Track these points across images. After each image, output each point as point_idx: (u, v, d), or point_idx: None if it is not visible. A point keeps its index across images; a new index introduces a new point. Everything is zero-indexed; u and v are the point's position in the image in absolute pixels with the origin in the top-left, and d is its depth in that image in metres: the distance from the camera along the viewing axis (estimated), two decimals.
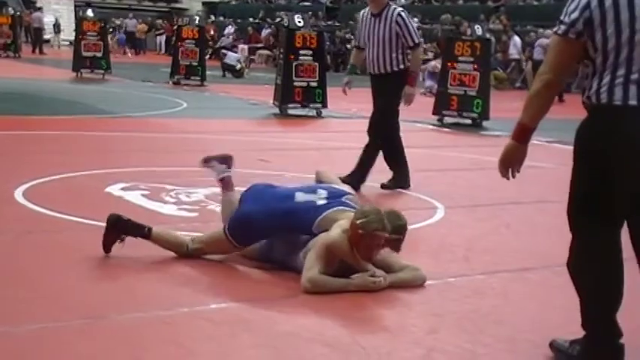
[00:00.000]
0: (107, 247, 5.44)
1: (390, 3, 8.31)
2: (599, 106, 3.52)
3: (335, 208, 5.24)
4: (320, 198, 5.36)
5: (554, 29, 3.56)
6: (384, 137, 8.50)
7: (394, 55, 8.17)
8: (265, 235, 5.41)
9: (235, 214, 5.47)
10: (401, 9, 8.40)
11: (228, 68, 26.58)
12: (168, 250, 5.54)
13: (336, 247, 4.93)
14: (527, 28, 27.44)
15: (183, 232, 6.13)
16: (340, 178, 6.73)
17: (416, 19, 32.61)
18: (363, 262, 4.99)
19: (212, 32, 33.34)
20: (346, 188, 5.70)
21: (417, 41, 8.36)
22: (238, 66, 26.83)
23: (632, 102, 3.42)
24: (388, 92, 8.35)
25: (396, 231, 5.04)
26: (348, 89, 9.09)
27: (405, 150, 11.89)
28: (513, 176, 3.89)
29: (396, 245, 5.14)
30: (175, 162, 8.33)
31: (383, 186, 8.40)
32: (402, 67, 8.29)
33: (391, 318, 4.70)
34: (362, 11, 8.56)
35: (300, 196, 5.41)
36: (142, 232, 5.47)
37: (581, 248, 3.93)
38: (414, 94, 8.51)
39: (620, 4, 3.40)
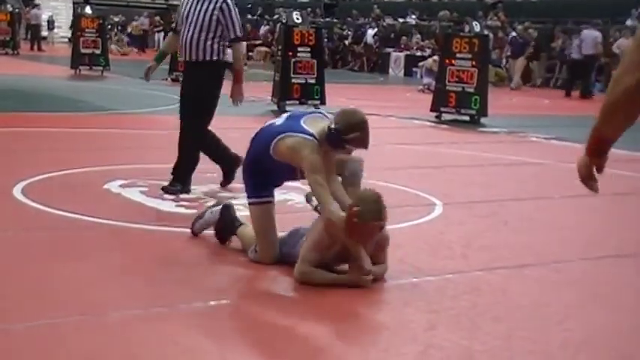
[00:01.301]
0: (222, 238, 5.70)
1: None
2: None
3: (288, 133, 5.14)
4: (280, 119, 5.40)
5: None
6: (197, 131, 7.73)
7: (209, 42, 7.28)
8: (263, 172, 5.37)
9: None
10: None
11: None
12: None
13: (335, 229, 4.87)
14: (525, 25, 27.40)
15: (183, 229, 6.13)
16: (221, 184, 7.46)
17: (414, 16, 32.71)
18: (358, 246, 4.92)
19: None
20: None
21: (239, 34, 7.51)
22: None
23: None
24: (201, 84, 7.49)
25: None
26: (151, 73, 8.02)
27: (403, 148, 11.97)
28: (599, 172, 3.03)
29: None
30: (173, 159, 8.26)
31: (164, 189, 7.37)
32: (215, 58, 7.41)
33: (389, 314, 4.68)
34: None
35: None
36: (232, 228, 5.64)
37: None
38: (242, 94, 7.89)
39: None
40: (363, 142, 5.21)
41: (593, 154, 2.94)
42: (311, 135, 5.02)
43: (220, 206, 5.77)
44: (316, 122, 5.22)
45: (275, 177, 5.42)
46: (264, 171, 5.31)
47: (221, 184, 7.78)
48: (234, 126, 13.52)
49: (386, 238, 5.10)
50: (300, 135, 5.03)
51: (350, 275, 4.92)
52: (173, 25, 7.88)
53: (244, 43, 7.66)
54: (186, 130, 7.58)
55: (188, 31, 7.22)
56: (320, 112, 5.40)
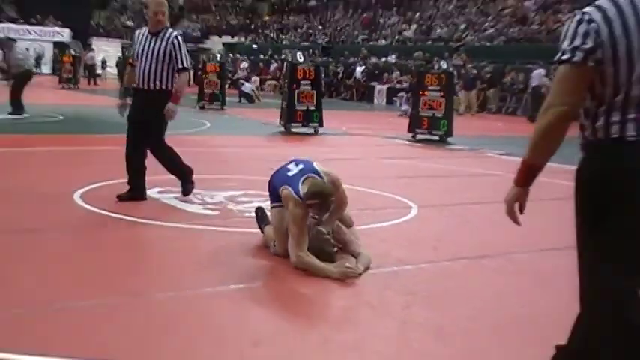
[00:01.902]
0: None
1: (167, 26, 7.11)
2: (610, 141, 2.68)
3: (287, 187, 5.19)
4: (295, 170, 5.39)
5: (564, 57, 2.66)
6: (154, 147, 7.30)
7: (164, 73, 6.96)
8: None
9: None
10: (178, 32, 7.25)
11: (244, 95, 26.62)
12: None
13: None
14: (482, 64, 27.51)
15: (212, 228, 6.11)
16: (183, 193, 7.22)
17: (394, 56, 32.76)
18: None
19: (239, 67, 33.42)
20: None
21: (185, 65, 7.11)
22: (251, 90, 27.00)
23: None
24: (156, 109, 6.99)
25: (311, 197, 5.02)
26: (125, 112, 7.45)
27: (385, 161, 12.01)
28: (521, 211, 2.97)
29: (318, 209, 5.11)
30: (200, 171, 8.16)
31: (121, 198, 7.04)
32: (169, 87, 7.04)
33: (373, 295, 4.64)
34: (139, 30, 7.27)
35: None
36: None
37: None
38: (175, 111, 7.10)
39: (631, 36, 2.62)
40: (319, 210, 5.12)
41: (525, 184, 2.85)
42: (299, 195, 5.04)
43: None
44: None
45: None
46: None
47: (183, 194, 7.38)
48: (250, 144, 13.61)
49: (349, 242, 5.31)
50: (293, 192, 5.07)
51: (339, 268, 4.88)
52: (130, 60, 7.45)
53: (188, 74, 7.53)
54: (158, 147, 7.27)
55: (145, 64, 6.93)
56: (317, 174, 5.26)
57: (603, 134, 2.69)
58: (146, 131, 7.10)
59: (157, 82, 6.98)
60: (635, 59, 2.62)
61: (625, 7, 2.65)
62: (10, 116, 15.34)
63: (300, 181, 5.15)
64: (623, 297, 2.65)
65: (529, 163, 2.80)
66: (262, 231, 5.69)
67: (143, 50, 6.96)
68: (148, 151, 7.30)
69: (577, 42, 2.64)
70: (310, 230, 5.11)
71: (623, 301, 2.65)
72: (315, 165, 5.38)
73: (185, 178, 7.36)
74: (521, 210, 2.91)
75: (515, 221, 2.93)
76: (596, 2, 2.70)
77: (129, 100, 7.33)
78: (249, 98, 26.45)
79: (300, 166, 5.36)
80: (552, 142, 2.73)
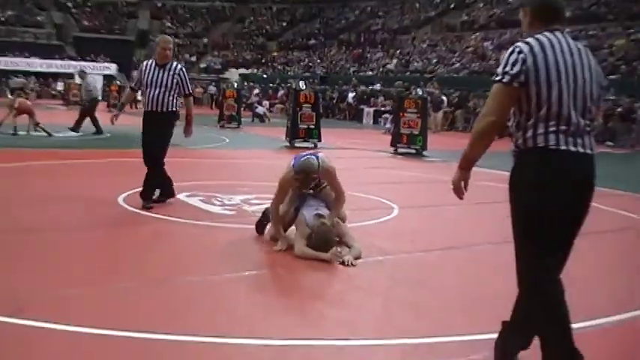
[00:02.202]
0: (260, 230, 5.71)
1: (173, 59, 7.02)
2: (537, 149, 2.85)
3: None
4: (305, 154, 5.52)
5: (497, 78, 2.87)
6: (162, 162, 7.10)
7: (171, 98, 6.86)
8: None
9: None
10: (182, 64, 7.21)
11: (257, 116, 26.57)
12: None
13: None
14: (451, 91, 27.51)
15: (230, 225, 6.09)
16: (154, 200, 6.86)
17: (378, 85, 32.77)
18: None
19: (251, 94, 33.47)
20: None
21: (190, 91, 7.12)
22: (263, 112, 27.00)
23: (563, 147, 2.81)
24: (165, 127, 6.93)
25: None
26: (116, 120, 7.42)
27: (372, 170, 12.00)
28: (465, 189, 3.20)
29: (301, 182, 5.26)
30: (220, 178, 8.22)
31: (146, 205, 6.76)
32: (174, 109, 6.97)
33: (362, 280, 4.63)
34: (145, 62, 7.07)
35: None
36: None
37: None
38: (192, 132, 7.31)
39: (550, 66, 2.81)
40: (301, 184, 5.29)
41: (465, 169, 3.14)
42: (292, 165, 5.30)
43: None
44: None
45: None
46: None
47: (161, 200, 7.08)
48: (261, 156, 13.59)
49: (345, 234, 5.27)
50: (290, 164, 5.35)
51: (329, 254, 4.92)
52: (132, 85, 7.35)
53: (192, 98, 7.40)
54: (160, 161, 7.04)
55: (155, 90, 6.79)
56: (317, 159, 5.32)
57: (532, 143, 2.86)
58: (159, 145, 7.01)
59: (166, 106, 6.87)
60: (553, 83, 2.82)
61: (547, 44, 2.86)
62: (72, 133, 15.63)
63: (301, 159, 5.31)
64: (541, 273, 2.92)
65: (468, 156, 3.10)
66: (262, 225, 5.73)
67: (153, 79, 6.82)
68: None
69: (507, 68, 2.85)
70: (315, 224, 5.11)
71: (541, 276, 2.92)
72: (320, 155, 5.45)
73: (145, 194, 6.94)
74: (465, 187, 3.17)
75: (460, 196, 3.20)
76: (527, 39, 2.91)
77: (119, 114, 7.45)
78: (261, 118, 26.42)
79: (309, 153, 5.51)
80: (484, 142, 2.99)
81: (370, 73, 37.51)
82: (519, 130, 2.91)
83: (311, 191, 5.38)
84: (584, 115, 2.87)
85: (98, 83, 41.69)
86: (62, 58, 43.73)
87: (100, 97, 18.79)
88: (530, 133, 2.87)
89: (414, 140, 15.05)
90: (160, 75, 6.82)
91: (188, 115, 7.12)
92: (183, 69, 7.05)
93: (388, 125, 21.89)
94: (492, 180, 11.09)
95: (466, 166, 3.13)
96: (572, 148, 2.83)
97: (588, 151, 2.87)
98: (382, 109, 28.77)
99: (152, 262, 4.80)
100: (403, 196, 8.57)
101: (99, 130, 16.27)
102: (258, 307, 3.94)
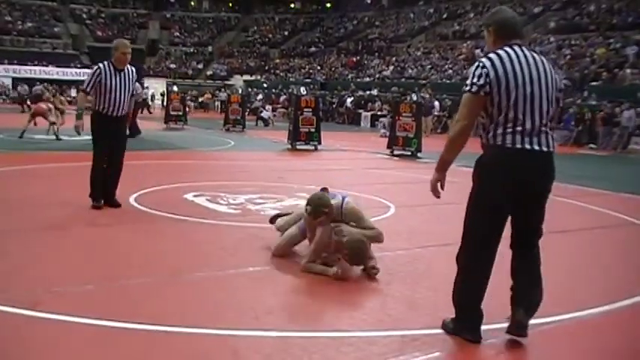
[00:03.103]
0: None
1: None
2: (496, 146, 3.23)
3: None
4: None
5: (466, 89, 3.22)
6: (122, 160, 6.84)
7: (129, 101, 6.66)
8: None
9: None
10: (133, 68, 6.81)
11: (261, 119, 26.50)
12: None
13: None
14: (443, 97, 27.50)
15: (235, 224, 6.06)
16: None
17: (376, 90, 32.76)
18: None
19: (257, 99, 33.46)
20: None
21: (138, 91, 7.19)
22: (268, 116, 26.99)
23: (518, 145, 3.17)
24: (125, 130, 6.85)
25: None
26: (82, 129, 6.77)
27: (370, 171, 12.00)
28: (442, 189, 3.54)
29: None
30: (226, 178, 8.21)
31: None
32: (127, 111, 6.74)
33: (362, 276, 4.61)
34: (102, 65, 6.56)
35: None
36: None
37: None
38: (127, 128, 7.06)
39: (509, 77, 3.14)
40: (311, 214, 4.66)
41: (442, 171, 3.43)
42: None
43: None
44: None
45: None
46: None
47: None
48: (264, 158, 13.58)
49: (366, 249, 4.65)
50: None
51: (331, 270, 4.52)
52: (86, 88, 6.62)
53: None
54: (122, 159, 6.79)
55: (120, 96, 6.50)
56: (342, 195, 4.89)
57: (493, 142, 3.23)
58: (124, 148, 6.82)
59: (126, 109, 6.67)
60: (511, 91, 3.14)
61: (505, 57, 3.17)
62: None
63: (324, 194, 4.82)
64: (484, 232, 3.37)
65: (444, 158, 3.40)
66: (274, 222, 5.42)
67: (117, 84, 6.50)
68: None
69: (475, 79, 3.19)
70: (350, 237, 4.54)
71: (484, 235, 3.37)
72: (347, 197, 4.89)
73: (114, 191, 6.80)
74: (442, 187, 3.48)
75: (437, 195, 3.51)
76: (489, 55, 3.24)
77: (82, 122, 6.74)
78: (265, 122, 26.39)
79: (337, 192, 5.02)
80: (458, 145, 3.34)
81: (367, 79, 37.50)
82: (484, 131, 3.27)
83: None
84: (541, 117, 3.18)
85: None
86: (77, 67, 43.83)
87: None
88: (491, 134, 3.23)
89: (409, 143, 15.03)
90: (122, 80, 6.57)
91: (129, 113, 6.85)
92: (135, 72, 6.86)
93: (383, 130, 21.87)
94: None
95: (443, 168, 3.40)
96: (528, 147, 3.15)
97: (544, 149, 3.18)
98: (379, 113, 28.75)
99: (162, 259, 4.79)
100: (399, 195, 8.55)
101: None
102: (262, 301, 3.92)
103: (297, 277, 4.52)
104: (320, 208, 4.60)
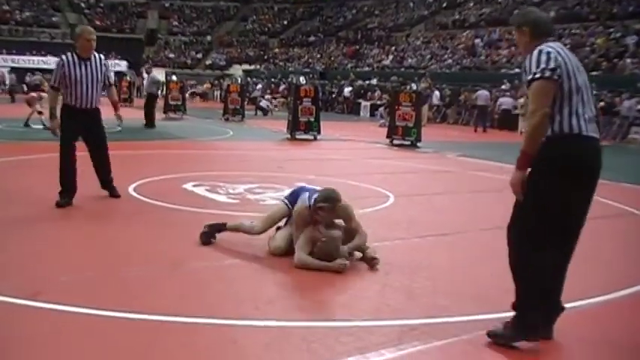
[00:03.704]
0: (207, 242, 4.92)
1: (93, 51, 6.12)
2: (564, 135, 3.05)
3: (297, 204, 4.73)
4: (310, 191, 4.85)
5: (537, 76, 3.01)
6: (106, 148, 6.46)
7: (99, 93, 6.15)
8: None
9: (290, 196, 4.94)
10: (102, 56, 6.33)
11: (260, 109, 26.41)
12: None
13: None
14: (443, 86, 27.42)
15: (234, 213, 6.05)
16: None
17: (375, 80, 32.66)
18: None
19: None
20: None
21: (112, 82, 6.56)
22: (267, 105, 26.92)
23: (584, 132, 3.05)
24: (100, 124, 6.31)
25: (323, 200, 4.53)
26: (59, 132, 6.16)
27: (369, 160, 11.99)
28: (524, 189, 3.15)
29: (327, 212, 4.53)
30: (225, 168, 8.20)
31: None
32: (98, 103, 6.24)
33: (360, 264, 4.62)
34: (65, 57, 6.07)
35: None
36: (221, 227, 5.02)
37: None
38: (122, 117, 6.68)
39: (568, 65, 3.07)
40: (327, 211, 4.53)
41: (524, 168, 3.09)
42: (308, 198, 4.63)
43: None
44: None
45: None
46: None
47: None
48: (264, 147, 13.57)
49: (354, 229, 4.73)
50: (303, 199, 4.68)
51: (334, 264, 4.43)
52: (52, 83, 6.17)
53: (115, 88, 6.71)
54: (105, 152, 6.43)
55: (87, 87, 6.01)
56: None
57: (559, 130, 3.05)
58: (104, 143, 6.40)
59: (96, 102, 6.18)
60: (572, 80, 3.06)
61: (559, 49, 3.12)
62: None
63: (313, 190, 4.76)
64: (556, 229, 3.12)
65: (527, 152, 3.06)
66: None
67: (82, 75, 6.00)
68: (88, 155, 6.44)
69: (543, 65, 3.02)
70: (322, 235, 4.51)
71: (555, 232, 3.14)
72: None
73: (110, 178, 6.56)
74: (523, 188, 3.13)
75: (521, 197, 3.17)
76: (543, 46, 3.10)
77: (57, 121, 6.20)
78: (264, 111, 26.32)
79: (311, 189, 4.85)
80: (540, 135, 3.04)
81: (367, 68, 37.38)
82: (550, 122, 3.06)
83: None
84: (591, 106, 3.14)
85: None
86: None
87: (158, 92, 19.53)
88: (560, 120, 3.05)
89: (408, 132, 15.01)
90: (89, 70, 6.06)
91: (115, 103, 6.58)
92: (105, 59, 6.34)
93: (382, 120, 21.83)
94: (483, 170, 11.10)
95: (525, 164, 3.09)
96: (592, 134, 3.08)
97: (597, 136, 3.13)
98: (378, 102, 28.68)
99: (162, 249, 4.79)
100: (398, 185, 8.54)
101: (151, 124, 16.87)
102: (262, 291, 3.93)
103: (284, 265, 4.52)
104: (338, 204, 4.54)
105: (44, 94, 15.84)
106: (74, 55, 6.07)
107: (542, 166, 3.05)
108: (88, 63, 6.08)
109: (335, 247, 4.49)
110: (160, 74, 22.86)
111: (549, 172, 3.05)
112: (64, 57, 6.11)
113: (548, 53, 3.05)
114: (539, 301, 3.17)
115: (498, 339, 3.21)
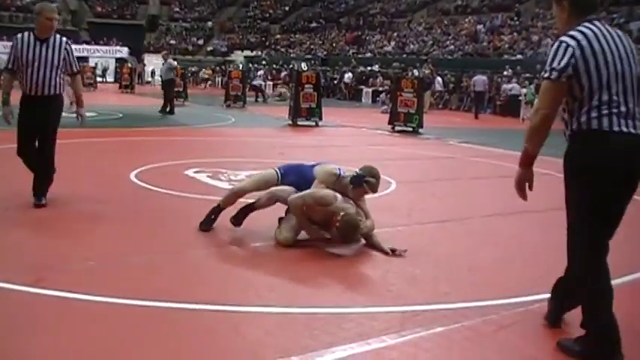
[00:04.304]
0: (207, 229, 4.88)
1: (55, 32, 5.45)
2: (593, 132, 2.87)
3: (318, 166, 4.86)
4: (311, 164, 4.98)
5: (545, 75, 2.89)
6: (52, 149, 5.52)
7: (58, 79, 5.44)
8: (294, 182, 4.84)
9: (285, 167, 5.01)
10: (66, 38, 5.59)
11: (253, 89, 25.81)
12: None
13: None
14: (445, 72, 27.31)
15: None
16: None
17: (377, 66, 32.52)
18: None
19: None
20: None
21: (78, 69, 5.67)
22: (259, 84, 26.77)
23: (616, 128, 2.84)
24: (52, 113, 5.44)
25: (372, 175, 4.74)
26: (12, 118, 5.51)
27: (371, 147, 11.96)
28: (530, 188, 3.07)
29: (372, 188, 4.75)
30: (227, 155, 8.18)
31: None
32: (61, 91, 5.52)
33: (362, 252, 4.62)
34: (21, 35, 5.41)
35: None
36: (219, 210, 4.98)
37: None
38: (85, 115, 5.81)
39: (598, 56, 2.84)
40: (373, 188, 4.77)
41: (527, 166, 2.99)
42: (340, 169, 4.74)
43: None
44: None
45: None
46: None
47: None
48: (265, 134, 13.55)
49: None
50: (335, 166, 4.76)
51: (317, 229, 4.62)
52: (8, 65, 5.43)
53: (80, 76, 5.86)
54: (50, 150, 5.52)
55: (39, 71, 5.32)
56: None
57: (586, 126, 2.87)
58: (48, 137, 5.48)
59: (53, 89, 5.43)
60: (602, 71, 2.84)
61: (591, 35, 2.87)
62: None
63: (342, 170, 4.79)
64: (600, 253, 2.97)
65: (528, 151, 2.97)
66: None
67: (35, 57, 5.34)
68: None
69: (555, 63, 2.86)
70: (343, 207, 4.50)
71: (599, 256, 2.97)
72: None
73: (48, 183, 5.62)
74: (530, 187, 3.04)
75: (524, 196, 3.06)
76: (570, 32, 2.89)
77: (9, 109, 5.51)
78: (259, 91, 26.06)
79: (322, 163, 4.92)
80: (542, 135, 2.93)
81: (369, 54, 37.22)
82: (573, 116, 2.92)
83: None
84: (633, 97, 2.90)
85: (111, 65, 41.84)
86: (77, 43, 43.65)
87: (176, 79, 19.71)
88: (584, 118, 2.88)
89: (410, 119, 14.98)
90: (43, 51, 5.37)
91: (79, 97, 5.74)
92: (69, 43, 5.59)
93: (384, 107, 21.78)
94: (484, 157, 11.08)
95: (527, 162, 3.00)
96: (625, 129, 2.84)
97: (635, 132, 2.87)
98: (380, 89, 28.59)
99: (164, 236, 4.80)
100: (400, 171, 8.53)
101: (171, 110, 17.01)
102: (264, 277, 3.94)
103: (299, 253, 4.53)
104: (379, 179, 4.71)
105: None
106: (31, 35, 5.41)
107: (567, 164, 2.95)
108: (45, 45, 5.38)
109: (357, 222, 4.43)
110: (161, 61, 22.79)
111: (573, 171, 2.93)
112: (19, 36, 5.45)
113: (567, 47, 2.85)
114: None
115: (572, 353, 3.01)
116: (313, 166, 4.94)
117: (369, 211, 4.84)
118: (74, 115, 5.76)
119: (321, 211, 4.53)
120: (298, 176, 4.86)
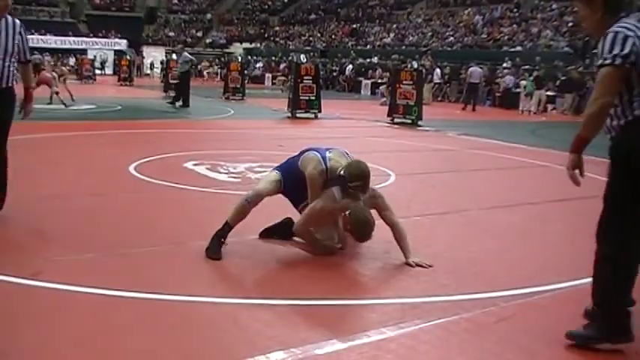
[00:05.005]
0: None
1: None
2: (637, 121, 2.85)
3: (305, 154, 4.47)
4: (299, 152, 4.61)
5: (607, 62, 2.82)
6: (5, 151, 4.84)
7: (12, 68, 4.62)
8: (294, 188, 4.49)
9: (281, 169, 4.59)
10: (19, 21, 4.74)
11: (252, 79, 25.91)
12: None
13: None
14: (444, 64, 27.23)
15: (233, 192, 6.03)
16: None
17: (376, 58, 32.43)
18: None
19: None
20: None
21: (29, 58, 4.94)
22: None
23: None
24: (7, 110, 4.67)
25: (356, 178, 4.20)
26: None
27: (370, 139, 11.94)
28: (581, 176, 3.03)
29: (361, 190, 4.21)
30: (226, 147, 8.14)
31: None
32: (16, 82, 4.70)
33: (361, 244, 4.61)
34: None
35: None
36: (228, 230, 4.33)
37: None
38: (32, 110, 5.05)
39: None
40: (362, 189, 4.22)
41: (579, 151, 2.93)
42: (324, 160, 4.30)
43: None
44: (339, 157, 4.42)
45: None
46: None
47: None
48: (264, 126, 13.52)
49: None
50: (319, 155, 4.34)
51: (326, 244, 4.40)
52: None
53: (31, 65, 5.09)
54: (5, 152, 4.85)
55: None
56: (344, 151, 4.51)
57: (633, 115, 2.85)
58: (5, 130, 4.76)
59: (7, 80, 4.61)
60: None
61: (635, 28, 2.83)
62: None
63: (327, 152, 4.41)
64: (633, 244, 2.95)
65: (583, 137, 2.90)
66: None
67: None
68: None
69: (616, 50, 2.79)
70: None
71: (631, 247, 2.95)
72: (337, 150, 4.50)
73: (3, 192, 4.90)
74: (581, 174, 2.99)
75: (577, 183, 3.01)
76: (620, 25, 2.85)
77: None
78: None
79: (322, 148, 4.50)
80: (599, 123, 2.88)
81: (368, 46, 37.12)
82: (628, 107, 2.88)
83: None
84: None
85: (110, 58, 41.77)
86: (75, 35, 43.54)
87: (192, 70, 19.94)
88: (632, 107, 2.86)
89: (409, 111, 14.95)
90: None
91: (27, 89, 4.98)
92: (23, 26, 4.74)
93: (384, 99, 21.74)
94: (483, 149, 11.06)
95: (581, 148, 2.93)
96: None
97: None
98: (379, 81, 28.53)
99: (163, 228, 4.78)
100: (399, 163, 8.51)
101: (178, 101, 17.20)
102: (264, 270, 3.93)
103: (297, 245, 4.51)
104: (369, 177, 4.27)
105: (55, 74, 16.22)
106: None
107: (614, 153, 2.93)
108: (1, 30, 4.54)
109: (365, 217, 4.13)
110: (160, 53, 22.75)
111: (620, 160, 2.91)
112: None
113: (625, 37, 2.80)
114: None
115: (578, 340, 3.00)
116: (298, 156, 4.58)
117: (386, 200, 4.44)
118: (20, 109, 4.94)
119: (325, 216, 4.35)
120: (291, 173, 4.54)
